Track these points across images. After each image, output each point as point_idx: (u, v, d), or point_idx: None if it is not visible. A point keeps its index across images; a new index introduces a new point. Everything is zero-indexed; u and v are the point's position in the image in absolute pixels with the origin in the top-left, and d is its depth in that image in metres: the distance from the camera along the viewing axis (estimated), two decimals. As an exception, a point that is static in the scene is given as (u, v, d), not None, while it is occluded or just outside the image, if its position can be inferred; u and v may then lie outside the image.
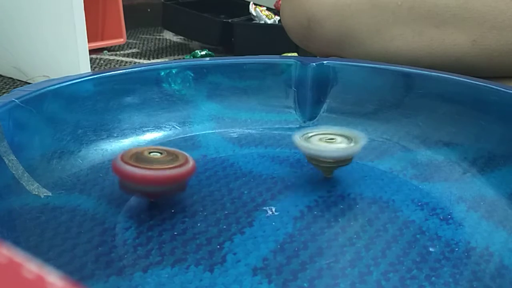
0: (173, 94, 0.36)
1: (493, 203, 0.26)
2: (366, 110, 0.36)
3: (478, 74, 0.33)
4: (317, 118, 0.37)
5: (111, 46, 0.85)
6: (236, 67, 0.38)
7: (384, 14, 0.44)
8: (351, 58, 0.46)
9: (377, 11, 0.45)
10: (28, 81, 0.61)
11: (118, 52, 0.83)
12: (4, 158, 0.26)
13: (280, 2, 0.84)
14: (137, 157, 0.24)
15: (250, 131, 0.36)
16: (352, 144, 0.27)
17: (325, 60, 0.38)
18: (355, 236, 0.23)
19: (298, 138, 0.27)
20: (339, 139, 0.27)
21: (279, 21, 0.85)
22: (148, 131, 0.35)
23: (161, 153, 0.25)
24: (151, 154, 0.25)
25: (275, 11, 0.87)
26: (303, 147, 0.26)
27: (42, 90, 0.30)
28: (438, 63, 0.43)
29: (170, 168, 0.24)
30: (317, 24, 0.47)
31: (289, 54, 0.63)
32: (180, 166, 0.24)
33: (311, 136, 0.28)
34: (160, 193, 0.25)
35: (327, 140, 0.27)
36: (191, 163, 0.25)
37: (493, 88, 0.31)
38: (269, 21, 0.83)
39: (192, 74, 0.37)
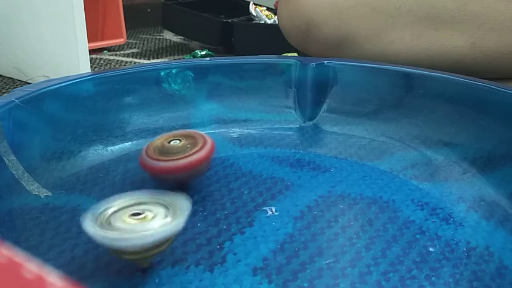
0: (173, 94, 0.36)
1: (493, 203, 0.26)
2: (366, 110, 0.36)
3: (477, 76, 0.33)
4: (317, 118, 0.37)
5: (111, 46, 0.85)
6: (236, 67, 0.38)
7: (382, 18, 0.44)
8: (351, 58, 0.46)
9: (375, 15, 0.45)
10: (28, 81, 0.61)
11: (118, 52, 0.83)
12: (4, 158, 0.26)
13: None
14: (159, 150, 0.26)
15: (250, 131, 0.36)
16: (169, 218, 0.19)
17: (325, 60, 0.38)
18: (355, 236, 0.23)
19: (90, 224, 0.18)
20: (153, 211, 0.20)
21: (279, 21, 0.85)
22: (148, 131, 0.35)
23: (180, 140, 0.26)
24: (171, 142, 0.26)
25: (275, 11, 0.87)
26: (101, 236, 0.18)
27: (42, 90, 0.30)
28: (437, 65, 0.43)
29: (194, 153, 0.26)
30: (315, 28, 0.47)
31: (289, 54, 0.63)
32: (201, 148, 0.26)
33: (111, 214, 0.20)
34: (191, 177, 0.27)
35: (133, 217, 0.19)
36: (209, 142, 0.27)
37: (493, 88, 0.31)
38: (269, 21, 0.83)
39: (192, 74, 0.37)
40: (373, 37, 0.45)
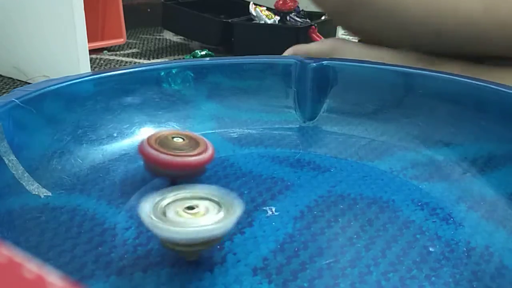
0: (173, 94, 0.36)
1: (493, 203, 0.26)
2: (366, 110, 0.36)
3: (488, 43, 0.32)
4: (317, 118, 0.37)
5: (111, 46, 0.85)
6: (236, 67, 0.38)
7: None
8: (351, 58, 0.46)
9: None
10: (28, 81, 0.61)
11: (118, 52, 0.83)
12: (4, 158, 0.26)
13: (281, 1, 0.84)
14: (161, 141, 0.26)
15: (250, 131, 0.36)
16: (222, 215, 0.19)
17: (325, 60, 0.38)
18: (355, 236, 0.23)
19: (148, 214, 0.19)
20: (203, 206, 0.20)
21: (279, 21, 0.85)
22: (148, 131, 0.35)
23: (183, 139, 0.27)
24: (174, 139, 0.27)
25: (275, 11, 0.87)
26: (158, 228, 0.18)
27: (42, 90, 0.30)
28: (449, 26, 0.42)
29: (192, 156, 0.26)
30: None
31: (289, 54, 0.62)
32: (200, 153, 0.26)
33: (166, 206, 0.20)
34: (181, 176, 0.27)
35: (187, 211, 0.20)
36: (210, 150, 0.27)
37: (493, 88, 0.31)
38: (269, 21, 0.83)
39: (192, 74, 0.37)
40: None
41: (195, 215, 0.19)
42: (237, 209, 0.19)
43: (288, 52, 0.49)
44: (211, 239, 0.19)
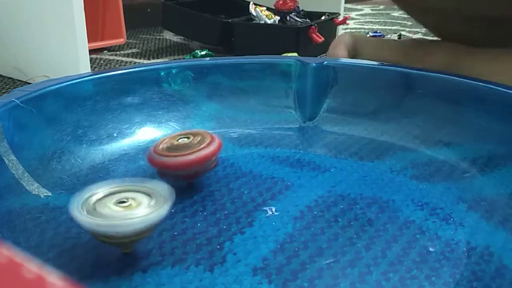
0: (173, 94, 0.36)
1: (493, 203, 0.26)
2: (366, 110, 0.36)
3: None
4: (317, 118, 0.37)
5: (111, 46, 0.85)
6: (236, 67, 0.38)
7: None
8: (351, 58, 0.46)
9: None
10: (28, 81, 0.61)
11: (118, 52, 0.83)
12: (4, 158, 0.26)
13: (281, 1, 0.84)
14: (168, 147, 0.26)
15: (250, 131, 0.36)
16: (152, 205, 0.20)
17: (325, 60, 0.38)
18: (355, 236, 0.23)
19: (77, 210, 0.19)
20: (135, 198, 0.21)
21: (279, 21, 0.85)
22: (148, 131, 0.35)
23: (188, 138, 0.27)
24: (179, 140, 0.27)
25: (275, 11, 0.87)
26: (88, 222, 0.19)
27: (42, 90, 0.30)
28: None
29: (204, 148, 0.26)
30: None
31: (289, 54, 0.63)
32: (208, 145, 0.26)
33: (96, 201, 0.20)
34: (198, 173, 0.27)
35: (119, 204, 0.20)
36: (216, 140, 0.27)
37: (493, 88, 0.31)
38: (269, 21, 0.83)
39: (192, 74, 0.37)
40: None
41: (126, 208, 0.20)
42: (169, 200, 0.20)
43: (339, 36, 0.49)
44: (141, 231, 0.20)
